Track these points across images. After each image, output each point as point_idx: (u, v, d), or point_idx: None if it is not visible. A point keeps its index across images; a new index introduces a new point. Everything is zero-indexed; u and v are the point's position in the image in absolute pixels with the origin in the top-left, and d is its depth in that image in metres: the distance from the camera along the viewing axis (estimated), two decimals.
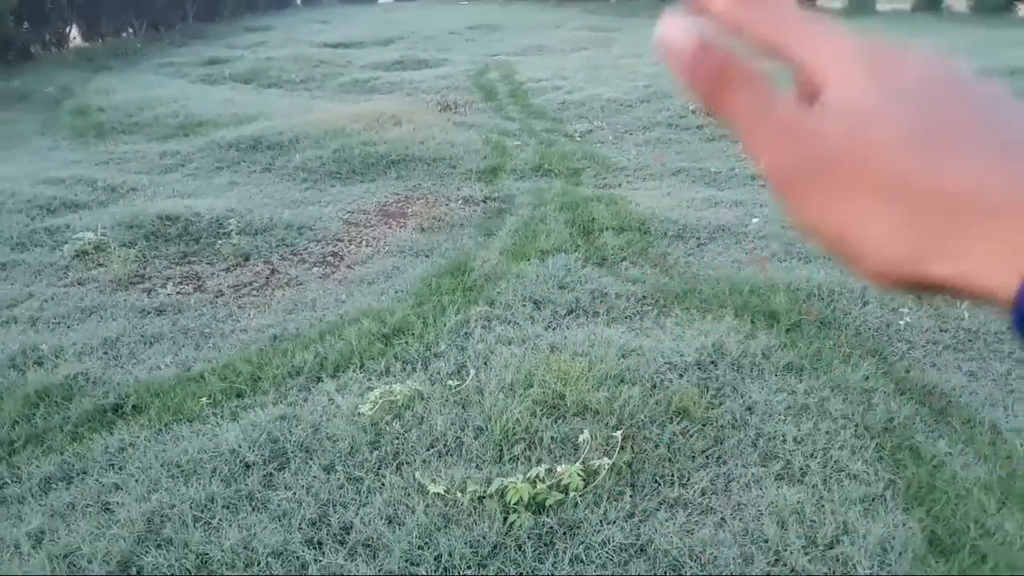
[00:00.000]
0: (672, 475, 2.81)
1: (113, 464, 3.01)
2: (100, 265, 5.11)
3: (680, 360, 3.56)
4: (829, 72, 0.33)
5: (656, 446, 2.95)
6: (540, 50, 16.12)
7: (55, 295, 4.64)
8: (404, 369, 3.61)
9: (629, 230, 5.43)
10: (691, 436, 3.03)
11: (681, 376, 3.44)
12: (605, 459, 2.78)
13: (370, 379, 3.53)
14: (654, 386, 3.35)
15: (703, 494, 2.72)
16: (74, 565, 2.46)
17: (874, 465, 2.88)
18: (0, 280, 4.86)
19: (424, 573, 2.37)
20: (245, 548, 2.47)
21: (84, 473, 2.96)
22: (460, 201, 6.47)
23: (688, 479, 2.79)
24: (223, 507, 2.69)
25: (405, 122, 8.51)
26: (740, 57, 0.34)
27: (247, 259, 5.29)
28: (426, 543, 2.48)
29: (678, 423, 3.10)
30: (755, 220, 5.59)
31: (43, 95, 11.16)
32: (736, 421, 3.14)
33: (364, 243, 5.60)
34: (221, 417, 3.29)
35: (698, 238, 5.34)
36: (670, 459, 2.89)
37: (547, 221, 5.69)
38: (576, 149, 8.25)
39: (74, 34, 15.54)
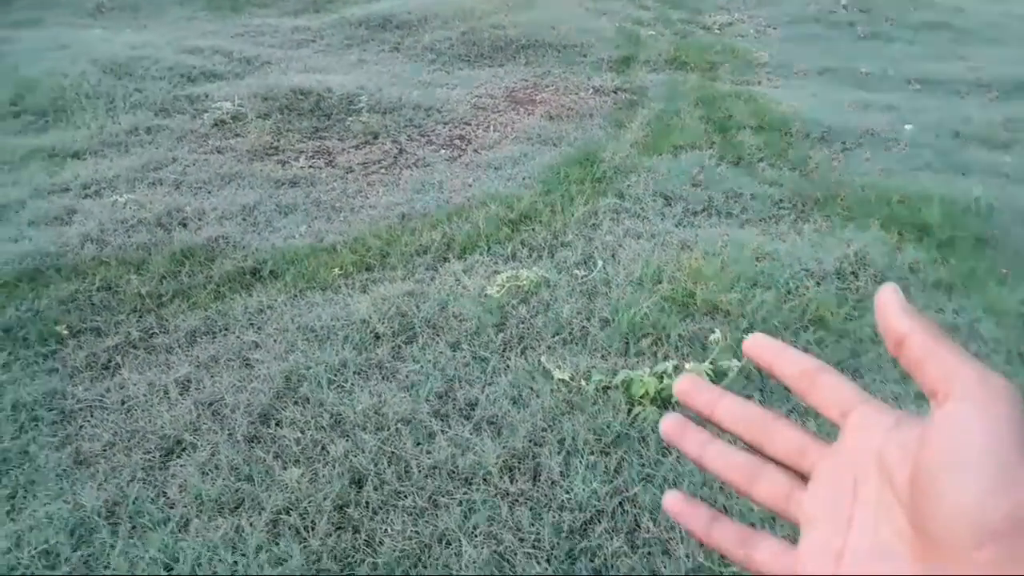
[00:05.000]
0: None
1: (253, 324, 3.14)
2: (237, 135, 5.25)
3: (818, 268, 3.40)
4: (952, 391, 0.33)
5: None
6: None
7: (196, 161, 4.81)
8: (530, 255, 3.58)
9: (769, 129, 5.15)
10: (826, 346, 2.91)
11: (819, 284, 3.29)
12: (735, 361, 2.70)
13: (496, 263, 3.53)
14: (789, 292, 3.22)
15: None
16: (218, 413, 2.61)
17: None
18: (146, 143, 5.07)
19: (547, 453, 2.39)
20: (376, 413, 2.55)
21: (226, 329, 3.11)
22: (591, 90, 6.27)
23: None
24: (354, 373, 2.78)
25: (536, 5, 8.24)
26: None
27: (376, 137, 5.32)
28: (550, 426, 2.49)
29: (813, 332, 2.98)
30: (909, 127, 5.20)
31: None
32: (876, 336, 2.98)
33: (492, 128, 5.53)
34: (352, 288, 3.37)
35: (844, 142, 5.01)
36: None
37: (681, 116, 5.46)
38: (714, 42, 7.82)
39: None
